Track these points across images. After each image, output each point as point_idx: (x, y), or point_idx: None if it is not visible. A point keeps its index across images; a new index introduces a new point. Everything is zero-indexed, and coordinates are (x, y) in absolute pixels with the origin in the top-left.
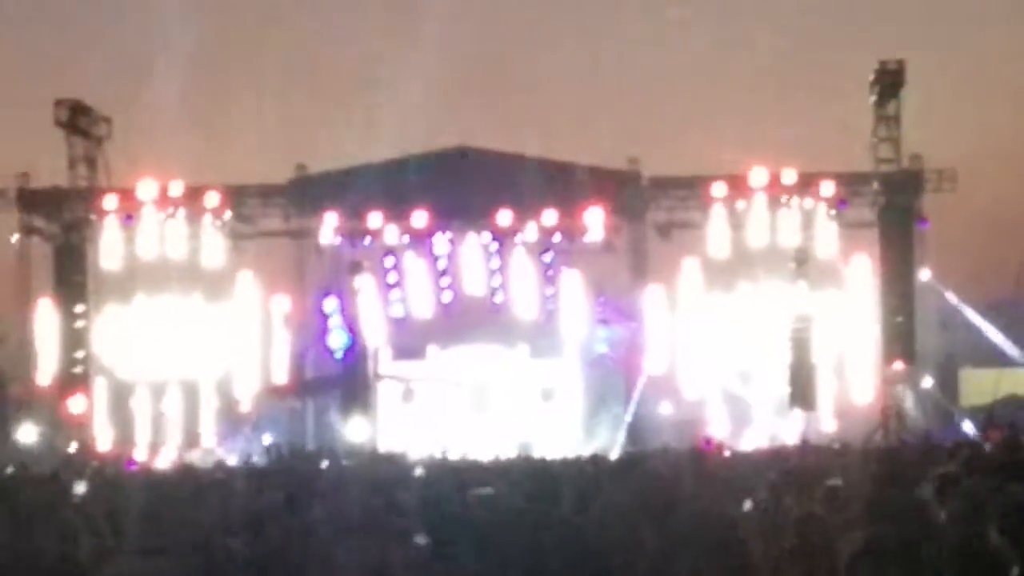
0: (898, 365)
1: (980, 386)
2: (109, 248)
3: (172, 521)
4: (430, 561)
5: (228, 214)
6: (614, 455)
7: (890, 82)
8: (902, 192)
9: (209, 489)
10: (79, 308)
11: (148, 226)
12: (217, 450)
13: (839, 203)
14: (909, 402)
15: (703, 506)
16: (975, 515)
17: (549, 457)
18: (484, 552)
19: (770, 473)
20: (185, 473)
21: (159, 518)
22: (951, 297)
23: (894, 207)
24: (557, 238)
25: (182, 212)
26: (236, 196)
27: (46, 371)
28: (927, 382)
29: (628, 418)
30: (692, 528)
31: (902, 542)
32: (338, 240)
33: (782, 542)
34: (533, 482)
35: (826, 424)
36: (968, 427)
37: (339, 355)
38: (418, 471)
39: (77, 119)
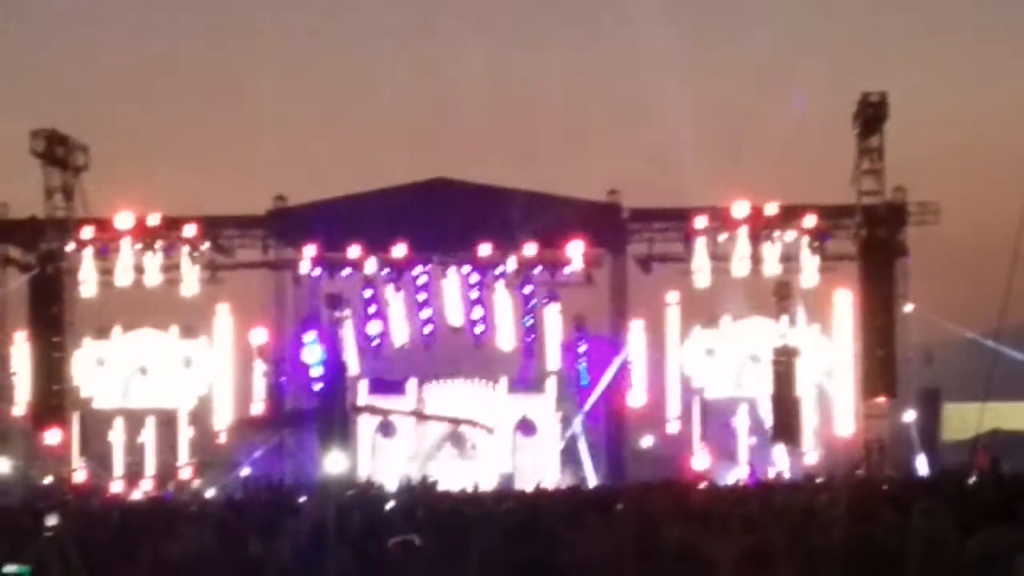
0: (880, 399)
1: (963, 420)
2: (86, 279)
3: (146, 554)
4: None
5: (206, 245)
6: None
7: (873, 114)
8: (884, 224)
9: (184, 522)
10: (56, 339)
11: (125, 257)
12: (194, 483)
13: (821, 236)
14: (891, 436)
15: (683, 545)
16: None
17: (528, 489)
18: None
19: (748, 507)
20: (160, 506)
21: (133, 551)
22: (934, 330)
23: (876, 240)
24: (538, 270)
25: (159, 243)
26: (214, 227)
27: (22, 403)
28: (909, 416)
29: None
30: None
31: None
32: (317, 271)
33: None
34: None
35: (809, 457)
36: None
37: (318, 387)
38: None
39: (54, 149)
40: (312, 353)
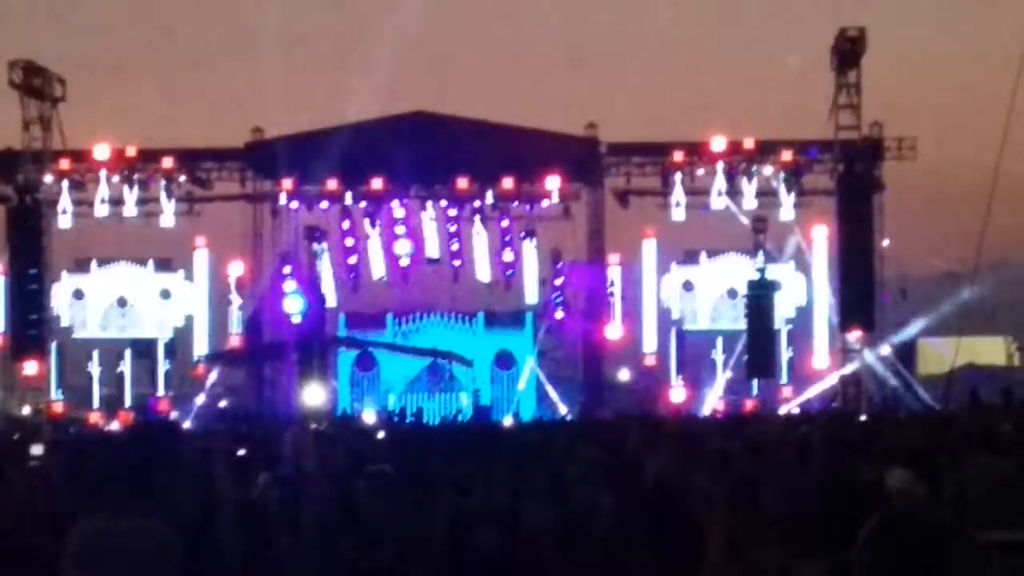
0: (856, 333)
1: (938, 355)
2: (64, 211)
3: (132, 485)
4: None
5: (184, 177)
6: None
7: (850, 49)
8: (861, 160)
9: (166, 454)
10: (33, 271)
11: (103, 189)
12: (171, 415)
13: (798, 170)
14: (867, 370)
15: (657, 477)
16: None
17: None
18: None
19: (722, 440)
20: (141, 437)
21: (123, 481)
22: (910, 265)
23: (853, 175)
24: (515, 204)
25: (137, 175)
26: (192, 159)
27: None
28: (885, 350)
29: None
30: (647, 497)
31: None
32: (295, 204)
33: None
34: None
35: (785, 391)
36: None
37: (296, 320)
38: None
39: (31, 80)
40: (290, 286)
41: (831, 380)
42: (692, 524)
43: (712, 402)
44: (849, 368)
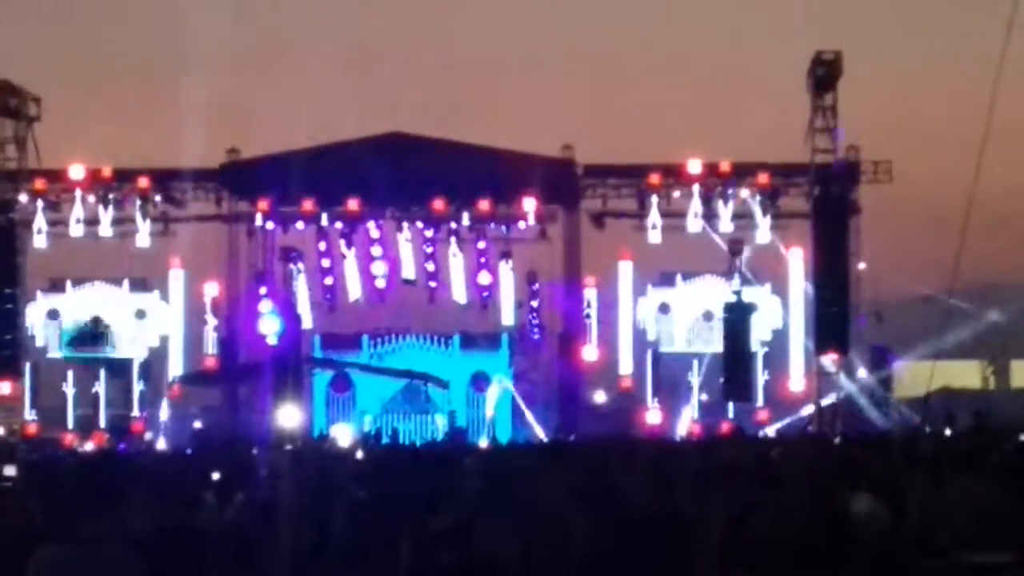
0: (832, 356)
1: (914, 378)
2: (38, 230)
3: (105, 507)
4: None
5: (159, 197)
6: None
7: (826, 73)
8: (838, 183)
9: (140, 475)
10: (8, 290)
11: (78, 209)
12: (147, 435)
13: (774, 193)
14: (843, 393)
15: (631, 497)
16: None
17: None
18: None
19: (696, 463)
20: (114, 458)
21: (92, 504)
22: (886, 288)
23: (829, 198)
24: (491, 226)
25: (112, 195)
26: (167, 179)
27: None
28: (861, 373)
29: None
30: (621, 518)
31: None
32: (270, 225)
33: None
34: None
35: (761, 414)
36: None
37: (272, 340)
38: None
39: (6, 99)
40: (265, 306)
41: (809, 405)
42: (675, 546)
43: (688, 424)
44: (825, 393)
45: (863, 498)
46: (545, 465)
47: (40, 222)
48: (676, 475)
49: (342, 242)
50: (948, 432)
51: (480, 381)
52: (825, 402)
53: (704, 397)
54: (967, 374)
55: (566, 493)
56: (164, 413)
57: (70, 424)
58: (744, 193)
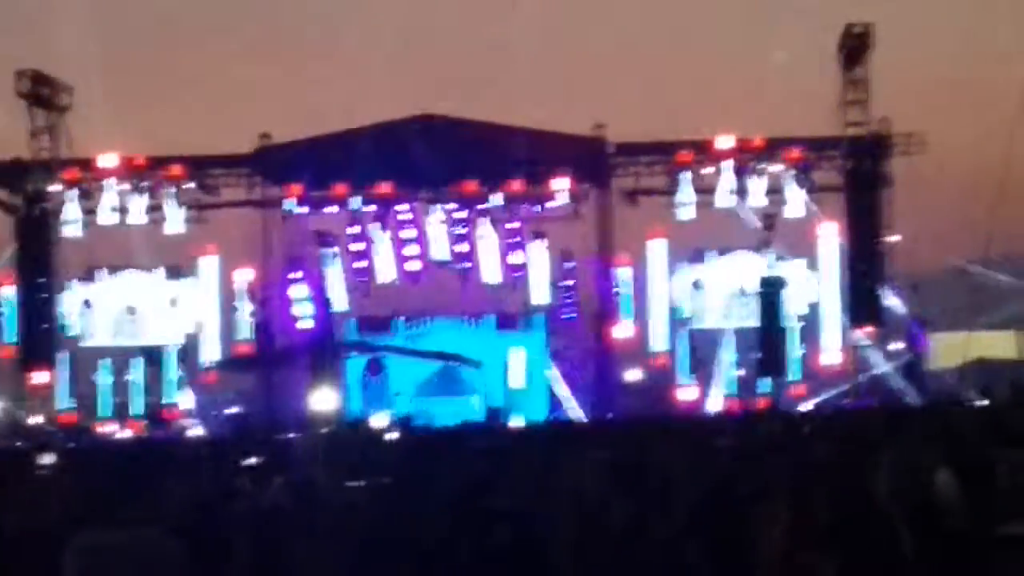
0: (867, 329)
1: (949, 350)
2: (71, 219)
3: (143, 492)
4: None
5: (191, 184)
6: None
7: (857, 45)
8: (870, 156)
9: (176, 461)
10: (42, 280)
11: (110, 197)
12: (183, 421)
13: (806, 167)
14: (879, 366)
15: (677, 474)
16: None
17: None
18: None
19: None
20: (152, 445)
21: (131, 489)
22: (920, 260)
23: (862, 171)
24: (523, 206)
25: (144, 183)
26: (199, 166)
27: (9, 344)
28: (895, 345)
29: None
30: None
31: None
32: (303, 210)
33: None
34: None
35: (796, 388)
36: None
37: (306, 325)
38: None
39: (39, 89)
40: (299, 291)
41: (846, 379)
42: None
43: (723, 400)
44: (861, 367)
45: (943, 473)
46: (584, 444)
47: (73, 211)
48: (723, 451)
49: (374, 225)
50: (985, 402)
51: (514, 362)
52: (859, 375)
53: (739, 373)
54: (1002, 345)
55: (608, 472)
56: (200, 399)
57: (106, 412)
58: (776, 168)
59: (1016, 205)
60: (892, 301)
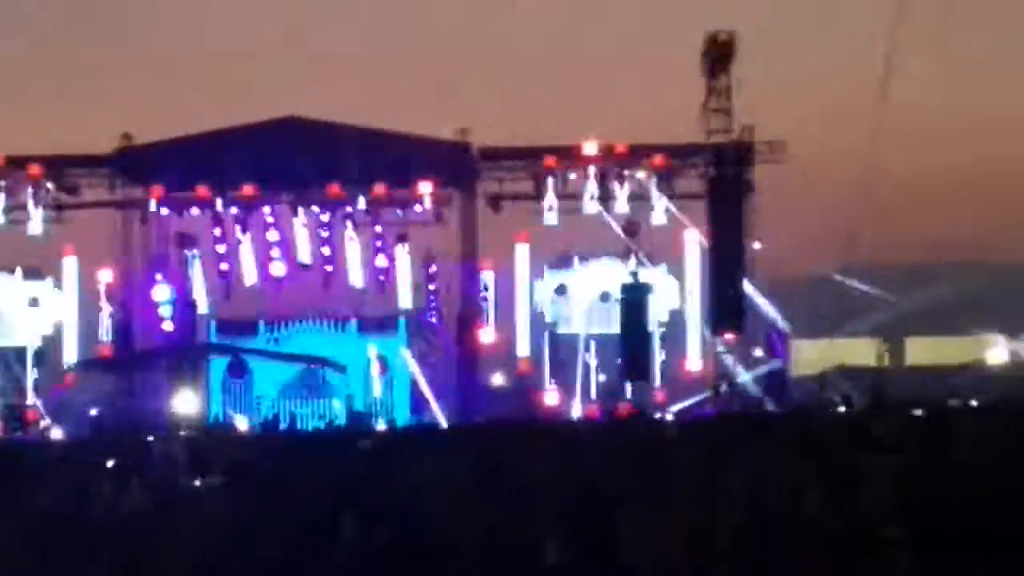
0: (729, 336)
1: (811, 357)
2: None
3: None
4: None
5: (51, 184)
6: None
7: (721, 54)
8: (733, 163)
9: (34, 463)
10: None
11: None
12: (43, 423)
13: (670, 174)
14: (740, 372)
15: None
16: None
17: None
18: None
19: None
20: (8, 447)
21: None
22: (781, 267)
23: (725, 178)
24: (388, 209)
25: (3, 183)
26: (59, 166)
27: None
28: (757, 352)
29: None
30: (525, 499)
31: None
32: (165, 211)
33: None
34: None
35: (658, 394)
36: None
37: (167, 326)
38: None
39: None
40: (161, 292)
41: (705, 386)
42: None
43: (586, 405)
44: (721, 374)
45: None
46: (449, 447)
47: None
48: (588, 454)
49: (237, 227)
50: (843, 409)
51: (378, 365)
52: (720, 382)
53: (602, 378)
54: (863, 352)
55: (474, 474)
56: (60, 401)
57: None
58: (640, 174)
59: (878, 216)
60: (754, 308)
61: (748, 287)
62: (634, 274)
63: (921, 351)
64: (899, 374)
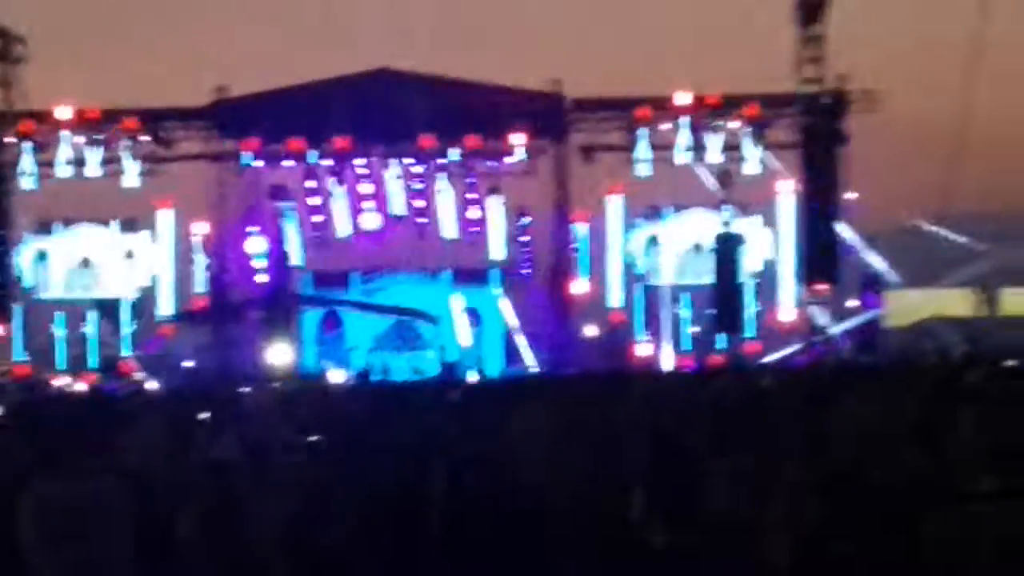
0: (823, 286)
1: (905, 307)
2: (26, 172)
3: (96, 444)
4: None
5: (147, 137)
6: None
7: (815, 2)
8: (827, 113)
9: (129, 414)
10: None
11: (65, 150)
12: (138, 374)
13: (763, 124)
14: (833, 323)
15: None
16: None
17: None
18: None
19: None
20: (104, 398)
21: (84, 441)
22: (876, 217)
23: (818, 128)
24: (480, 161)
25: (100, 136)
26: (155, 119)
27: None
28: (851, 302)
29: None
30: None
31: None
32: (259, 163)
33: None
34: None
35: (751, 346)
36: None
37: (261, 279)
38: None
39: None
40: (255, 245)
41: (800, 336)
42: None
43: (677, 356)
44: (815, 324)
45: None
46: (541, 396)
47: (28, 164)
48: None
49: (331, 180)
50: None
51: (471, 316)
52: (814, 332)
53: (695, 329)
54: (958, 303)
55: (565, 422)
56: (155, 352)
57: (62, 365)
58: (733, 124)
59: (972, 164)
60: (848, 259)
61: (843, 236)
62: (727, 224)
63: (1018, 303)
64: (994, 325)
